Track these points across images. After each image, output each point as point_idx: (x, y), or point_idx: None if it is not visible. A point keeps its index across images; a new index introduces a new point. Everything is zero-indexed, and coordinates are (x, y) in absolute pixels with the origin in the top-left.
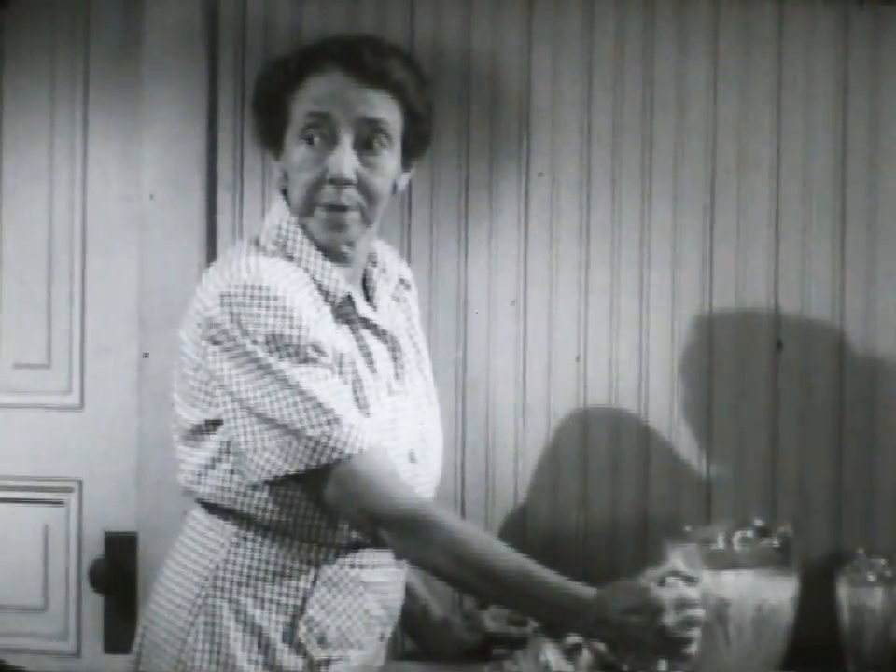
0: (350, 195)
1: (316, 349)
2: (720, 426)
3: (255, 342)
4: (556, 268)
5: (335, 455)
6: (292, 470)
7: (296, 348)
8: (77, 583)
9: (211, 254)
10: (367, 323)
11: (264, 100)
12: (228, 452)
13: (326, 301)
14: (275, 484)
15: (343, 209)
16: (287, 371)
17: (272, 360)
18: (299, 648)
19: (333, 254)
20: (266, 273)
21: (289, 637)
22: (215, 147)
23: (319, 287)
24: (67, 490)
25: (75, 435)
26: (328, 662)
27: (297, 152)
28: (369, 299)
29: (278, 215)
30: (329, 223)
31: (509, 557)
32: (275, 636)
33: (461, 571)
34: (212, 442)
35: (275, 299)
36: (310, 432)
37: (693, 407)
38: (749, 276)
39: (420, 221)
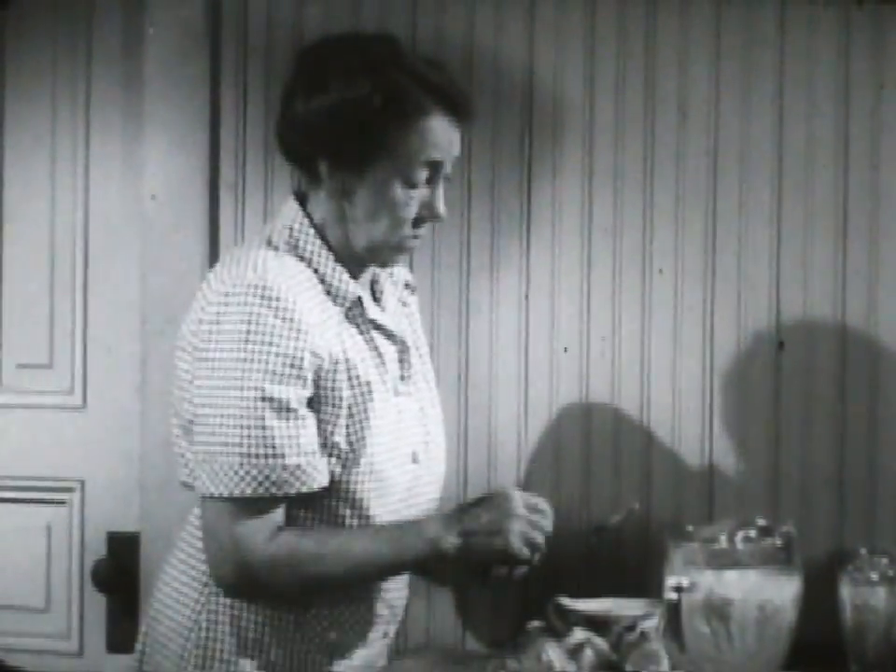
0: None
1: (314, 355)
2: (722, 425)
3: (245, 343)
4: (558, 268)
5: (260, 491)
6: (216, 492)
7: (286, 356)
8: (79, 583)
9: (213, 254)
10: (376, 325)
11: (359, 123)
12: None
13: (335, 303)
14: None
15: (419, 239)
16: (256, 391)
17: (244, 374)
18: (300, 645)
19: (367, 266)
20: (271, 273)
21: (291, 634)
22: (217, 148)
23: (329, 290)
24: (70, 490)
25: (77, 435)
26: (330, 660)
27: (398, 191)
28: (377, 301)
29: (290, 216)
30: (403, 250)
31: (347, 536)
32: (277, 634)
33: (311, 589)
34: None
35: (277, 300)
36: (244, 461)
37: (695, 407)
38: (751, 276)
39: None
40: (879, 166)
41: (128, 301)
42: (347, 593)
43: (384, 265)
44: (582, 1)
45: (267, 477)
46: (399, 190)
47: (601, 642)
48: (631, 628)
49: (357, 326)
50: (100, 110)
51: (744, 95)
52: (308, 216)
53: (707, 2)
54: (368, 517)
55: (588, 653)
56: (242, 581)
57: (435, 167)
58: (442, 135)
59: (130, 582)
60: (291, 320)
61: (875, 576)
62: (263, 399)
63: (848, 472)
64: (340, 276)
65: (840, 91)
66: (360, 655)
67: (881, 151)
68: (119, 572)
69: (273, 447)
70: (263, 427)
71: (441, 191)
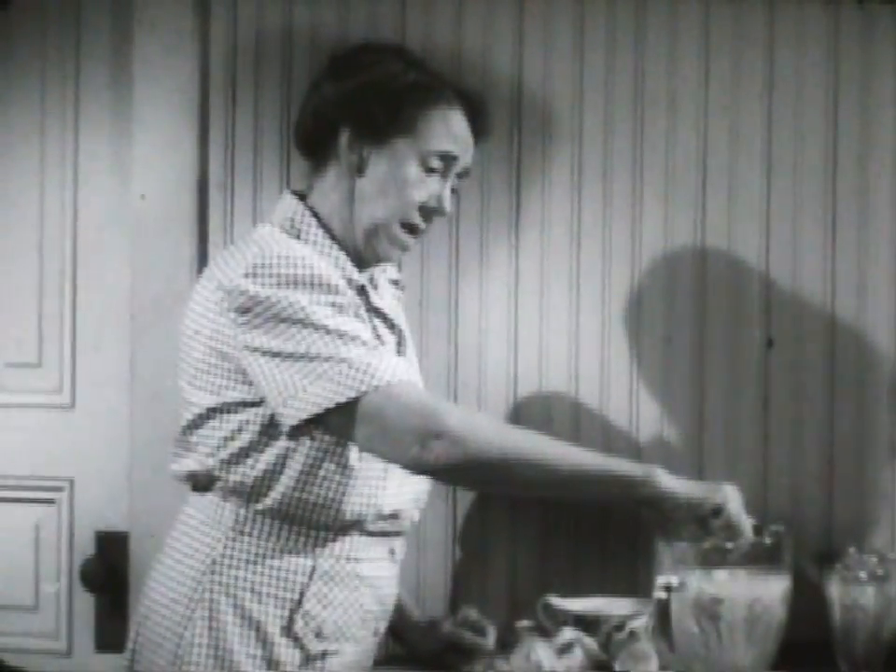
0: (429, 224)
1: (350, 306)
2: (711, 425)
3: (290, 300)
4: (548, 267)
5: (387, 377)
6: (343, 399)
7: (331, 302)
8: (68, 582)
9: (202, 253)
10: (378, 313)
11: (389, 94)
12: (241, 431)
13: None
14: (303, 433)
15: (419, 233)
16: (325, 320)
17: (308, 312)
18: (296, 641)
19: (364, 262)
20: (297, 246)
21: (287, 630)
22: (206, 147)
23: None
24: (58, 489)
25: (66, 434)
26: (324, 655)
27: (412, 169)
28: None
29: (290, 208)
30: (400, 243)
31: (560, 444)
32: (273, 629)
33: (520, 467)
34: (227, 423)
35: (311, 267)
36: (360, 359)
37: (685, 406)
38: (740, 274)
39: None
40: (868, 164)
41: (117, 300)
42: (341, 588)
43: (377, 258)
44: (571, 1)
45: (388, 363)
46: (413, 170)
47: (590, 641)
48: (620, 627)
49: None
50: (89, 110)
51: (733, 94)
52: (308, 208)
53: (696, 1)
54: (364, 500)
55: (577, 652)
56: (449, 443)
57: (449, 161)
58: (461, 131)
59: (119, 581)
60: (328, 284)
61: (863, 575)
62: (338, 321)
63: (838, 471)
64: (345, 264)
65: (829, 89)
66: (352, 651)
67: (870, 149)
68: (108, 571)
69: (376, 346)
70: (357, 335)
71: (449, 188)
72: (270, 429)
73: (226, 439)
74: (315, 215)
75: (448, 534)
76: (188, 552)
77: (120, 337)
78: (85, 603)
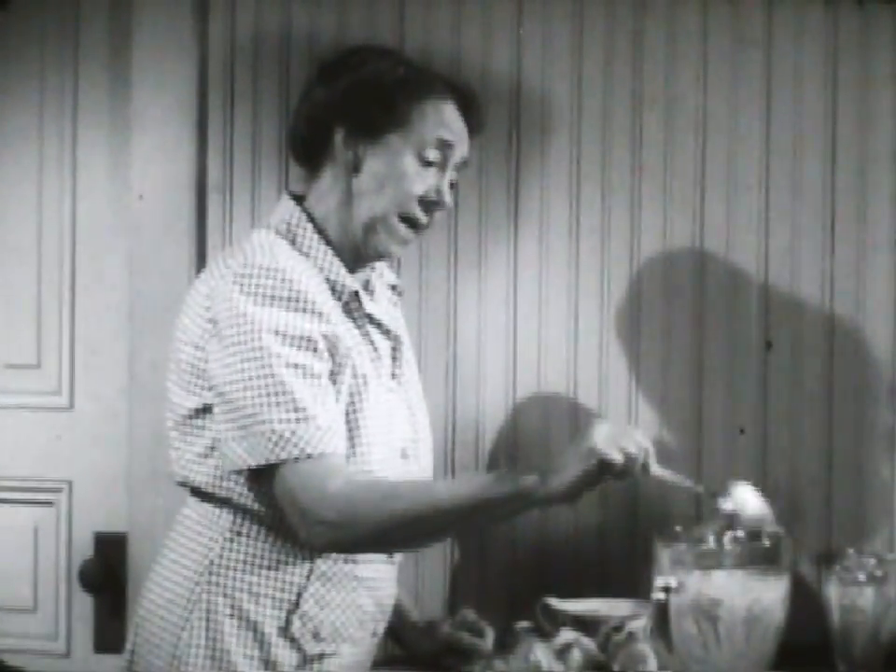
0: (431, 219)
1: (325, 337)
2: (710, 426)
3: (254, 322)
4: (546, 266)
5: (295, 453)
6: (253, 463)
7: (301, 334)
8: (66, 584)
9: (200, 255)
10: (371, 319)
11: (380, 90)
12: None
13: (332, 296)
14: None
15: (421, 228)
16: (274, 360)
17: (264, 344)
18: (293, 642)
19: (364, 259)
20: (282, 256)
21: (284, 631)
22: (204, 149)
23: (327, 282)
24: (57, 491)
25: (64, 436)
26: (321, 657)
27: (409, 163)
28: (370, 298)
29: (287, 211)
30: (399, 236)
31: (444, 485)
32: (270, 630)
33: (414, 526)
34: (208, 430)
35: (291, 281)
36: (276, 426)
37: (684, 408)
38: (739, 275)
39: None
40: (867, 166)
41: (115, 302)
42: (338, 589)
43: (378, 254)
44: (570, 1)
45: (301, 437)
46: (410, 163)
47: (589, 642)
48: (619, 629)
49: (354, 320)
50: (87, 111)
51: (732, 94)
52: (305, 211)
53: (695, 2)
54: None
55: (576, 654)
56: (330, 529)
57: (445, 150)
58: (455, 121)
59: (117, 583)
60: (305, 301)
61: (862, 576)
62: (287, 365)
63: (836, 473)
64: (338, 270)
65: (827, 91)
66: (350, 652)
67: (868, 151)
68: (107, 572)
69: (304, 409)
70: (291, 392)
71: (448, 180)
72: None
73: (207, 447)
74: (312, 219)
75: None
76: (185, 553)
77: (119, 339)
78: (84, 604)
